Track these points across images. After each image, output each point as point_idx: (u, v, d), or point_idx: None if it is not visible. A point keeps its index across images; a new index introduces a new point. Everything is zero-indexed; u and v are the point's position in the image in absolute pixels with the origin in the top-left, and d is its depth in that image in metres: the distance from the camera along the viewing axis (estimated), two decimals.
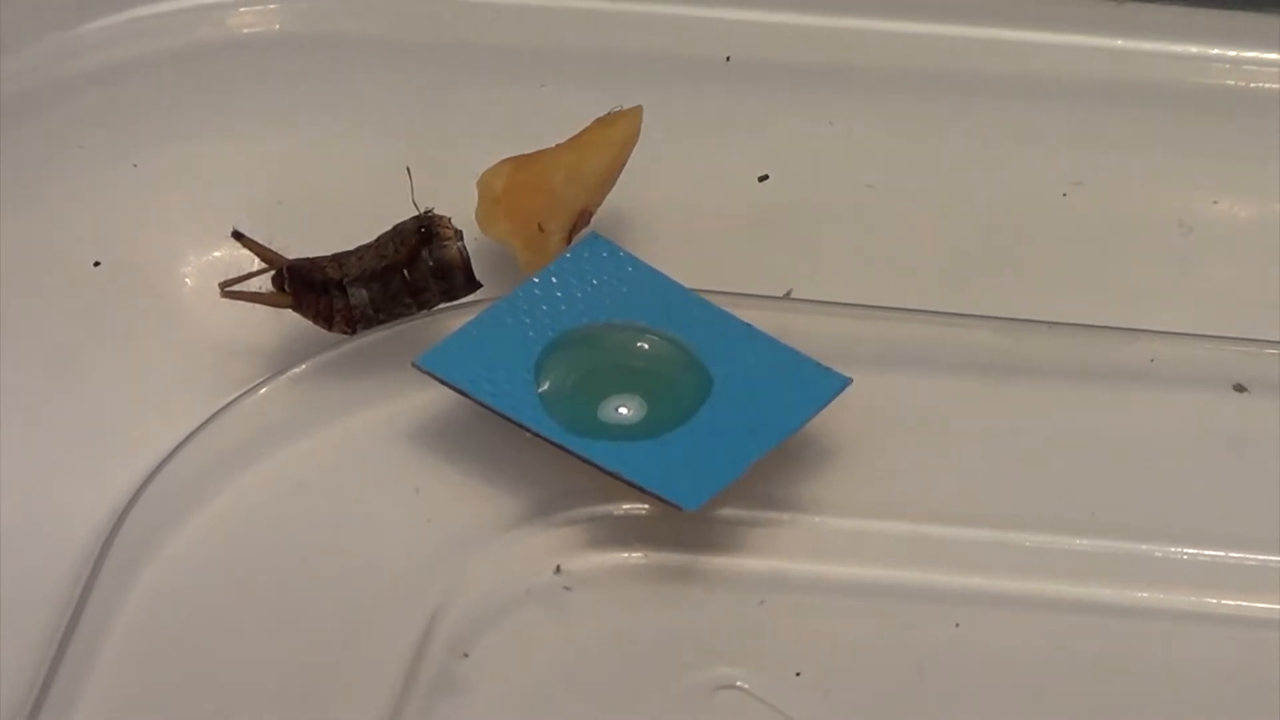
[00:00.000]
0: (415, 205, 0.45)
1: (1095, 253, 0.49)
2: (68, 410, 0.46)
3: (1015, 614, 0.42)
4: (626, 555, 0.41)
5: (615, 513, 0.42)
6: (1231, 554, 0.44)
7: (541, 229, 0.45)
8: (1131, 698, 0.42)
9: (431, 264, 0.44)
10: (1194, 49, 0.52)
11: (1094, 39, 0.53)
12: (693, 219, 0.48)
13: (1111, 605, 0.43)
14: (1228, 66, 0.52)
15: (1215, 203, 0.49)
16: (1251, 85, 0.52)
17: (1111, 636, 0.43)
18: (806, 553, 0.42)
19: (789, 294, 0.45)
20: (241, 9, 0.53)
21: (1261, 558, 0.43)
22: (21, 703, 0.40)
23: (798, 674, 0.39)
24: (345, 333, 0.44)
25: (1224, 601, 0.43)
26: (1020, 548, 0.43)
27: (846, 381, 0.42)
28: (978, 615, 0.42)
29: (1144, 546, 0.44)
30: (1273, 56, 0.53)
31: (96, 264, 0.47)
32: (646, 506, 0.41)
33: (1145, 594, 0.44)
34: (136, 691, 0.41)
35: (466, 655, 0.40)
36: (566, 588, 0.41)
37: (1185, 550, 0.43)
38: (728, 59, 0.51)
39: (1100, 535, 0.44)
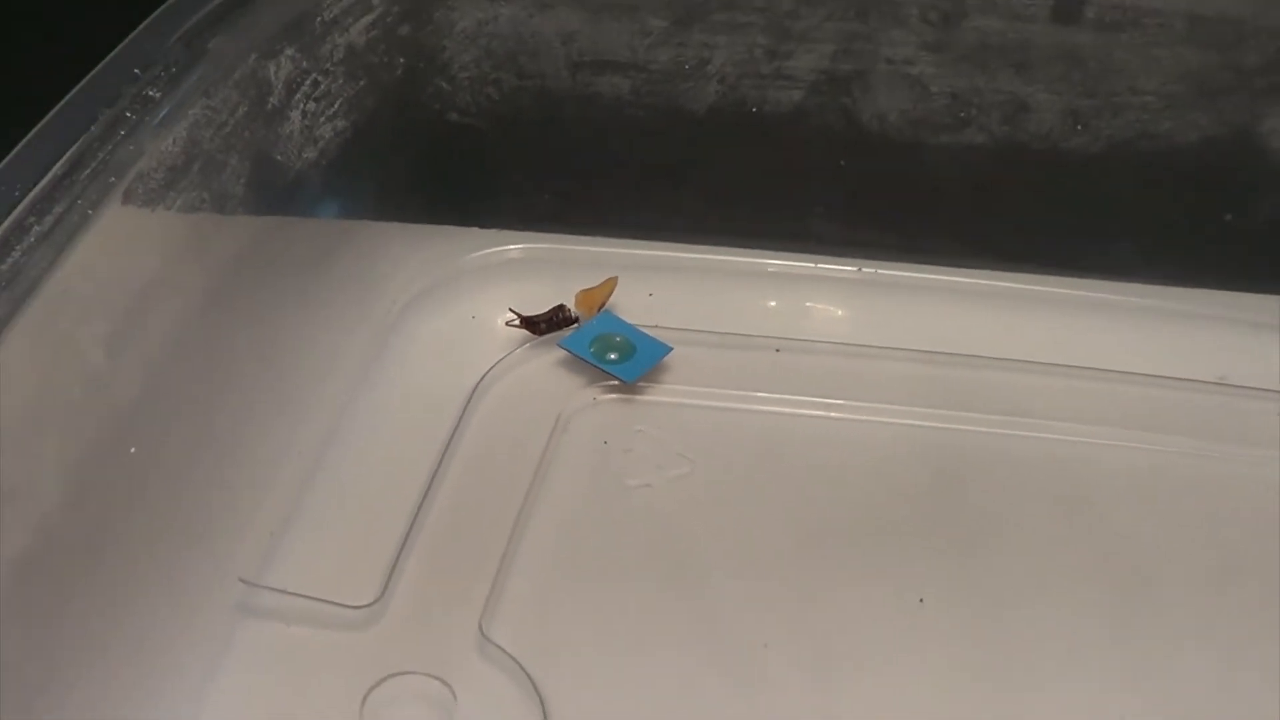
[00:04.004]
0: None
1: None
2: (451, 355, 0.80)
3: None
4: (615, 395, 0.79)
5: (611, 384, 0.78)
6: None
7: (589, 309, 0.81)
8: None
9: (562, 317, 0.82)
10: None
11: None
12: (632, 306, 0.81)
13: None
14: None
15: None
16: None
17: None
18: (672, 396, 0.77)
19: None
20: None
21: None
22: (422, 485, 0.72)
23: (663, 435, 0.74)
24: (540, 334, 0.81)
25: None
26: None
27: (670, 348, 0.78)
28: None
29: None
30: None
31: (473, 317, 0.83)
32: (618, 382, 0.77)
33: None
34: (468, 475, 0.73)
35: (568, 422, 0.75)
36: (595, 401, 0.78)
37: None
38: (650, 295, 0.82)
39: None
